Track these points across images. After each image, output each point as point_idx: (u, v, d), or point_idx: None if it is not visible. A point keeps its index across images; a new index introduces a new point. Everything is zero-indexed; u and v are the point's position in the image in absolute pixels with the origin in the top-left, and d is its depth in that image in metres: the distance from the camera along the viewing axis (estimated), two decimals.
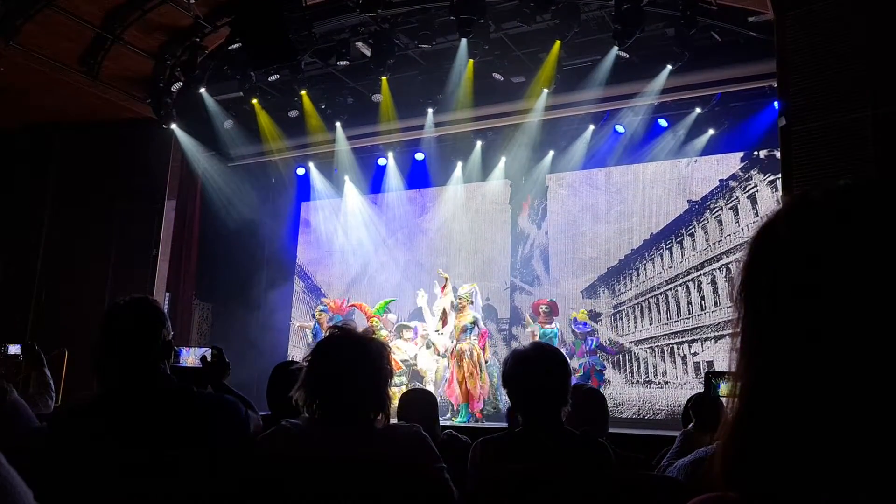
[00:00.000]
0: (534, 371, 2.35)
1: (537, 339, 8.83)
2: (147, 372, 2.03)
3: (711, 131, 9.58)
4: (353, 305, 10.49)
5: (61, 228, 9.93)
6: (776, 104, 6.83)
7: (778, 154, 6.49)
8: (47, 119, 9.80)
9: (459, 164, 11.19)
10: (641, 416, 9.58)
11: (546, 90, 8.93)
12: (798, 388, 0.65)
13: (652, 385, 9.71)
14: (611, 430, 3.89)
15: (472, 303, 9.25)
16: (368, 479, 1.84)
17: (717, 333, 9.33)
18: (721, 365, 8.79)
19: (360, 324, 9.46)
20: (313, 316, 10.69)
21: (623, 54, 8.06)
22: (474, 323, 9.15)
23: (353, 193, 11.92)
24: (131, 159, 9.82)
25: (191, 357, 4.45)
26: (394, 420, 2.21)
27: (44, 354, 3.87)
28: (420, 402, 3.31)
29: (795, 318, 0.65)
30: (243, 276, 11.53)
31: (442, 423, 4.54)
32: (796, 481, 0.64)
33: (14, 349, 5.03)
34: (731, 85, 8.71)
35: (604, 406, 3.36)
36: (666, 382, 9.63)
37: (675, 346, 9.66)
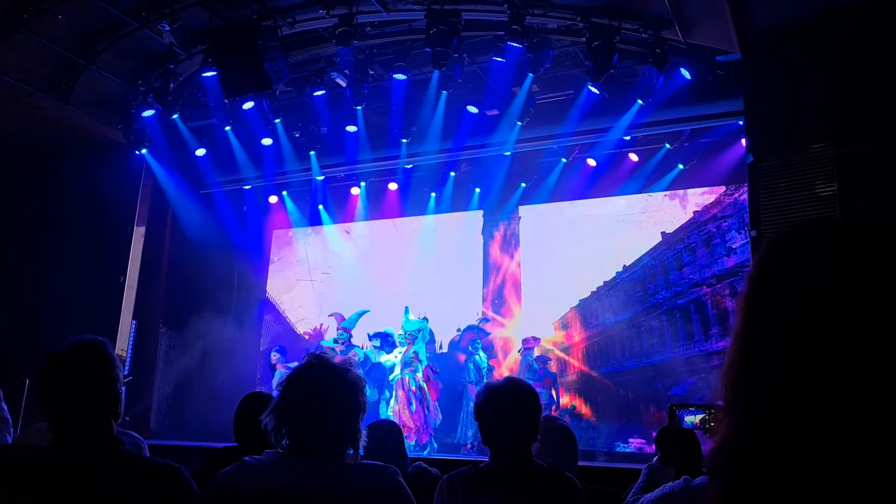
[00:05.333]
0: (506, 405, 2.34)
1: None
2: (87, 425, 1.84)
3: (681, 166, 9.74)
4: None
5: (27, 253, 9.76)
6: (744, 141, 6.97)
7: (746, 189, 6.61)
8: (15, 142, 9.66)
9: (433, 194, 11.23)
10: (613, 449, 9.55)
11: (519, 123, 9.04)
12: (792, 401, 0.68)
13: (623, 418, 9.70)
14: (581, 463, 3.87)
15: (415, 339, 9.53)
16: None
17: (689, 367, 9.37)
18: (692, 399, 8.82)
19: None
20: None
21: (594, 90, 8.19)
22: (415, 356, 9.40)
23: (325, 222, 11.89)
24: (101, 184, 9.69)
25: None
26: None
27: (3, 385, 3.76)
28: (387, 434, 3.27)
29: (796, 335, 0.69)
30: (212, 304, 11.38)
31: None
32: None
33: None
34: (700, 122, 8.88)
35: (571, 441, 3.35)
36: (638, 415, 9.63)
37: (647, 380, 9.68)
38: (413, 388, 9.26)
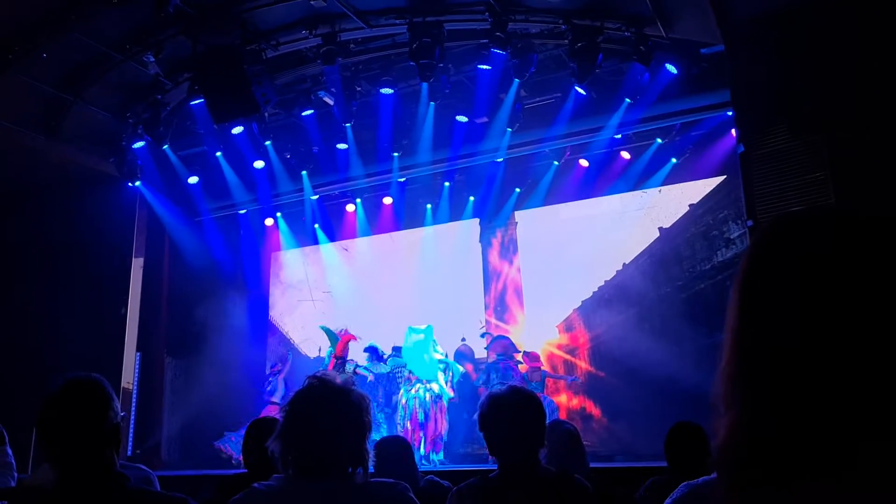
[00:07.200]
0: (511, 413, 2.33)
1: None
2: (90, 464, 1.85)
3: (674, 160, 9.75)
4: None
5: (27, 292, 9.73)
6: (734, 131, 6.98)
7: (740, 179, 6.61)
8: (7, 182, 9.66)
9: (428, 205, 11.24)
10: (625, 448, 9.49)
11: (509, 129, 9.06)
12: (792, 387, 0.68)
13: (634, 417, 9.64)
14: (593, 464, 3.86)
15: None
16: None
17: (696, 361, 9.30)
18: (703, 392, 8.77)
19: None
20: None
21: (581, 91, 8.21)
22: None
23: (322, 241, 11.89)
24: (96, 218, 9.68)
25: None
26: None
27: (6, 431, 3.72)
28: (396, 451, 3.25)
29: (793, 325, 0.69)
30: (215, 330, 11.35)
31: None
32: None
33: None
34: (689, 115, 8.89)
35: (579, 444, 3.33)
36: (649, 414, 9.56)
37: (654, 376, 9.62)
38: (403, 401, 9.29)
